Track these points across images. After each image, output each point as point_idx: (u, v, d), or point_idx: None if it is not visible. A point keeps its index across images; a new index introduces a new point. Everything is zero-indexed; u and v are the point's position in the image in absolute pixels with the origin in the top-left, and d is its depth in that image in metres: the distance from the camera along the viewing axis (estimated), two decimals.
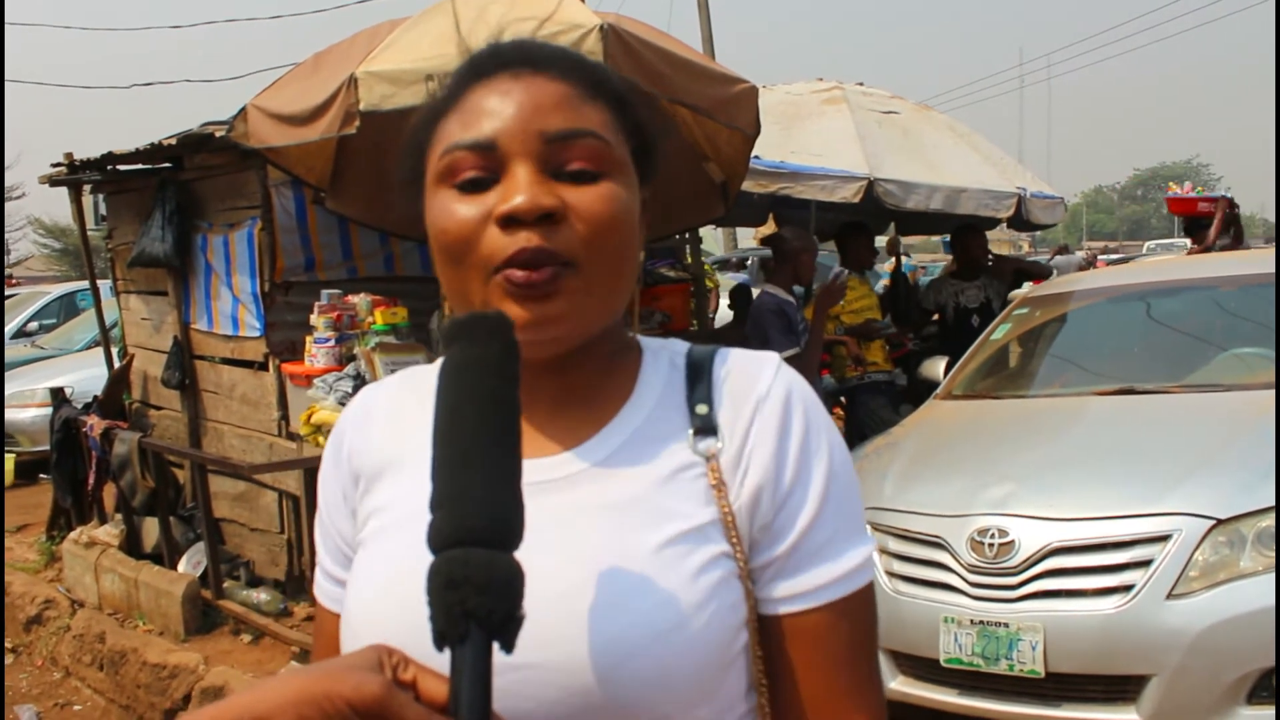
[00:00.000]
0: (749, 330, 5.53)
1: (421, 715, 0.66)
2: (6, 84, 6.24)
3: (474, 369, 0.75)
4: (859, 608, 0.93)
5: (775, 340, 5.18)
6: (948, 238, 8.16)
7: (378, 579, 0.91)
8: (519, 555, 0.77)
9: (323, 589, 1.04)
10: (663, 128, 1.01)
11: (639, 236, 0.94)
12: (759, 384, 0.95)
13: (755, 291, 5.65)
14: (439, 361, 0.83)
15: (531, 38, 0.97)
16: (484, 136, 0.87)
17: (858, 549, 0.93)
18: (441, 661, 0.69)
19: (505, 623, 0.68)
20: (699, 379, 0.96)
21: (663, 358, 1.00)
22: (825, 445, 0.94)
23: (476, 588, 0.67)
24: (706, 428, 0.93)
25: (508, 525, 0.71)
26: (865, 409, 6.14)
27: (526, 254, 0.85)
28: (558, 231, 0.86)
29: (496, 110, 0.88)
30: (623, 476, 0.91)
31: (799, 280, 5.74)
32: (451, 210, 0.88)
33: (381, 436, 1.00)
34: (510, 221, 0.85)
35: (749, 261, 16.75)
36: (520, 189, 0.85)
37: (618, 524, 0.88)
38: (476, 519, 0.70)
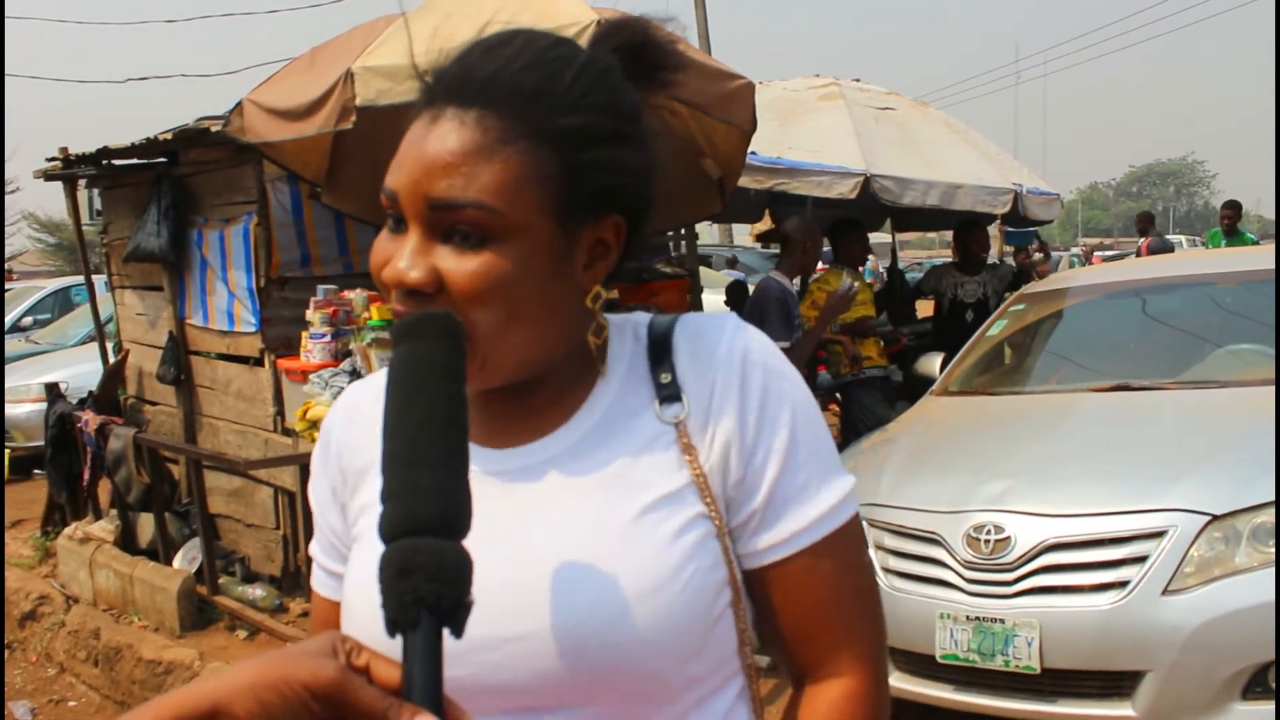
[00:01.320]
0: (748, 311, 5.55)
1: (375, 697, 0.68)
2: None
3: (422, 367, 0.78)
4: (840, 545, 0.95)
5: (772, 326, 5.21)
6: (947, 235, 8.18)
7: (369, 574, 0.91)
8: (502, 536, 0.87)
9: (318, 579, 1.09)
10: (640, 149, 0.95)
11: (561, 283, 0.91)
12: (719, 346, 0.96)
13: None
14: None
15: (505, 37, 0.93)
16: (390, 188, 0.89)
17: (831, 488, 0.95)
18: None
19: (455, 608, 0.70)
20: (661, 348, 0.97)
21: (627, 332, 1.00)
22: (788, 395, 0.96)
23: (427, 575, 0.69)
24: (672, 395, 0.95)
25: (455, 515, 0.74)
26: (861, 405, 6.14)
27: (405, 316, 0.85)
28: (434, 300, 0.86)
29: (404, 161, 0.89)
30: (596, 456, 0.93)
31: (805, 270, 5.79)
32: (376, 244, 0.91)
33: (368, 434, 0.99)
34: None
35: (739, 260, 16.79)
36: (400, 257, 0.87)
37: (595, 500, 0.91)
38: (425, 509, 0.72)
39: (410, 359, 0.78)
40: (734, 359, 0.95)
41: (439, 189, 0.85)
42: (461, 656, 0.85)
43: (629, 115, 0.94)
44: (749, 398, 0.94)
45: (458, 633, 0.70)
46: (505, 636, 0.87)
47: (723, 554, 0.93)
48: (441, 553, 0.71)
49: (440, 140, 0.87)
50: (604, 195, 0.91)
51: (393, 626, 0.70)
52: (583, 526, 0.90)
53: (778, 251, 6.28)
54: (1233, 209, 9.98)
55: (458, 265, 0.86)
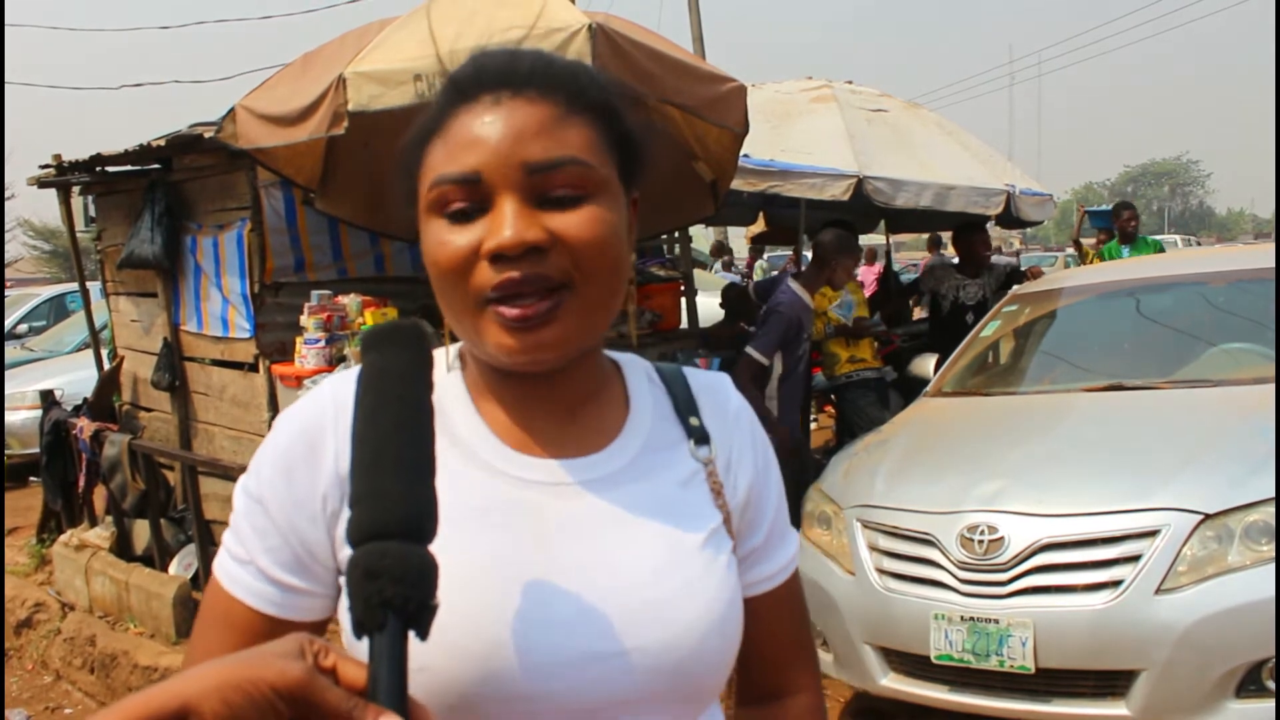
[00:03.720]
0: (760, 319, 5.52)
1: (341, 698, 0.69)
2: None
3: (390, 376, 0.79)
4: (798, 580, 1.13)
5: (764, 339, 5.22)
6: (942, 235, 8.18)
7: (447, 576, 0.86)
8: (595, 548, 0.93)
9: (251, 589, 0.95)
10: (649, 129, 1.01)
11: (629, 245, 0.96)
12: (730, 401, 1.10)
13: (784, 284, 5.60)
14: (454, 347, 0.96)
15: (513, 48, 0.96)
16: (468, 169, 0.89)
17: (793, 534, 1.13)
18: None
19: (420, 611, 0.72)
20: (680, 393, 1.07)
21: (639, 371, 1.08)
22: (772, 453, 1.11)
23: (393, 579, 0.71)
24: (703, 438, 1.04)
25: (421, 520, 0.75)
26: (855, 407, 6.16)
27: (514, 283, 0.88)
28: (547, 259, 0.88)
29: (479, 141, 0.89)
30: (651, 481, 1.00)
31: (832, 285, 5.74)
32: (443, 241, 0.90)
33: None
34: (499, 257, 0.87)
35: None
36: (506, 224, 0.87)
37: (665, 521, 0.98)
38: (392, 514, 0.74)
39: (380, 367, 0.79)
40: (743, 417, 1.09)
41: (534, 152, 0.88)
42: (557, 671, 0.89)
43: (633, 102, 1.00)
44: (757, 451, 1.08)
45: (422, 635, 0.72)
46: (608, 652, 0.91)
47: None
48: (407, 557, 0.72)
49: (519, 113, 0.90)
50: (638, 165, 0.98)
51: (359, 629, 0.71)
52: (662, 547, 0.96)
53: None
54: (1130, 209, 8.99)
55: (568, 220, 0.89)
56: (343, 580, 0.78)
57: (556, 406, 0.99)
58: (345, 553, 0.94)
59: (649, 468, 1.00)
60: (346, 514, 0.95)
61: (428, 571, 0.73)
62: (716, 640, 0.95)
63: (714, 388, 1.10)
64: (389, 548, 0.72)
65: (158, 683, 0.68)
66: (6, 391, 9.07)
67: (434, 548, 0.77)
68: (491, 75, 0.92)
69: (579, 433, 1.00)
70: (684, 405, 1.05)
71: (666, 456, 1.02)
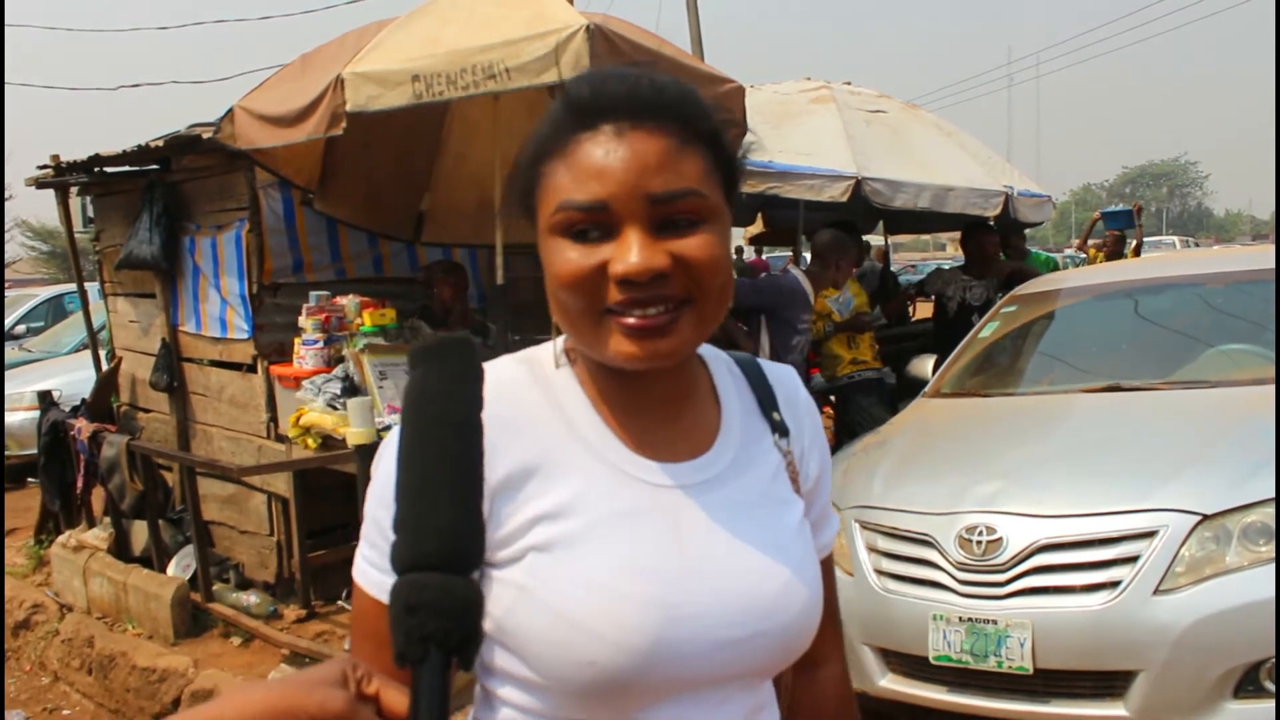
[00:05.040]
0: (763, 288, 5.56)
1: None
2: None
3: (435, 397, 0.81)
4: (832, 561, 1.24)
5: (748, 288, 5.24)
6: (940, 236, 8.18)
7: (601, 581, 0.95)
8: (718, 540, 1.01)
9: (383, 585, 0.95)
10: (739, 150, 1.09)
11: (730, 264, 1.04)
12: (799, 393, 1.19)
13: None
14: (546, 347, 1.02)
15: (627, 71, 1.02)
16: (596, 199, 0.95)
17: (835, 517, 1.23)
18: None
19: (463, 643, 0.73)
20: (759, 386, 1.16)
21: (721, 365, 1.16)
22: (825, 439, 1.21)
23: (434, 612, 0.73)
24: (784, 430, 1.14)
25: (463, 550, 0.77)
26: (858, 407, 6.17)
27: (637, 299, 0.95)
28: (669, 281, 0.96)
29: (604, 170, 0.96)
30: (751, 475, 1.09)
31: (832, 285, 5.80)
32: (569, 259, 0.97)
33: (541, 431, 1.01)
34: (627, 282, 0.95)
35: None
36: (633, 252, 0.94)
37: (767, 512, 1.07)
38: (432, 545, 0.76)
39: (423, 386, 0.81)
40: (811, 407, 1.19)
41: (657, 185, 0.95)
42: (703, 656, 0.97)
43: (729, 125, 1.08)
44: (820, 439, 1.19)
45: (466, 665, 0.73)
46: (743, 636, 1.00)
47: None
48: (449, 590, 0.74)
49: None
50: (736, 186, 1.07)
51: (401, 659, 0.73)
52: (770, 535, 1.05)
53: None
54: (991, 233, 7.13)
55: (687, 244, 0.96)
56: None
57: (663, 406, 1.07)
58: (523, 545, 0.96)
59: (747, 463, 1.09)
60: (497, 510, 0.95)
61: (471, 604, 0.74)
62: (816, 617, 1.07)
63: (785, 381, 1.19)
64: (429, 580, 0.73)
65: (197, 707, 0.68)
66: (6, 392, 9.08)
67: (584, 547, 0.82)
68: (612, 102, 0.98)
69: (685, 432, 1.08)
70: (765, 398, 1.15)
71: (757, 451, 1.11)
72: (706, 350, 1.16)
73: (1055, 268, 8.37)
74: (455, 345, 0.82)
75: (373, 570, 0.97)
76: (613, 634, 0.93)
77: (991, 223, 7.52)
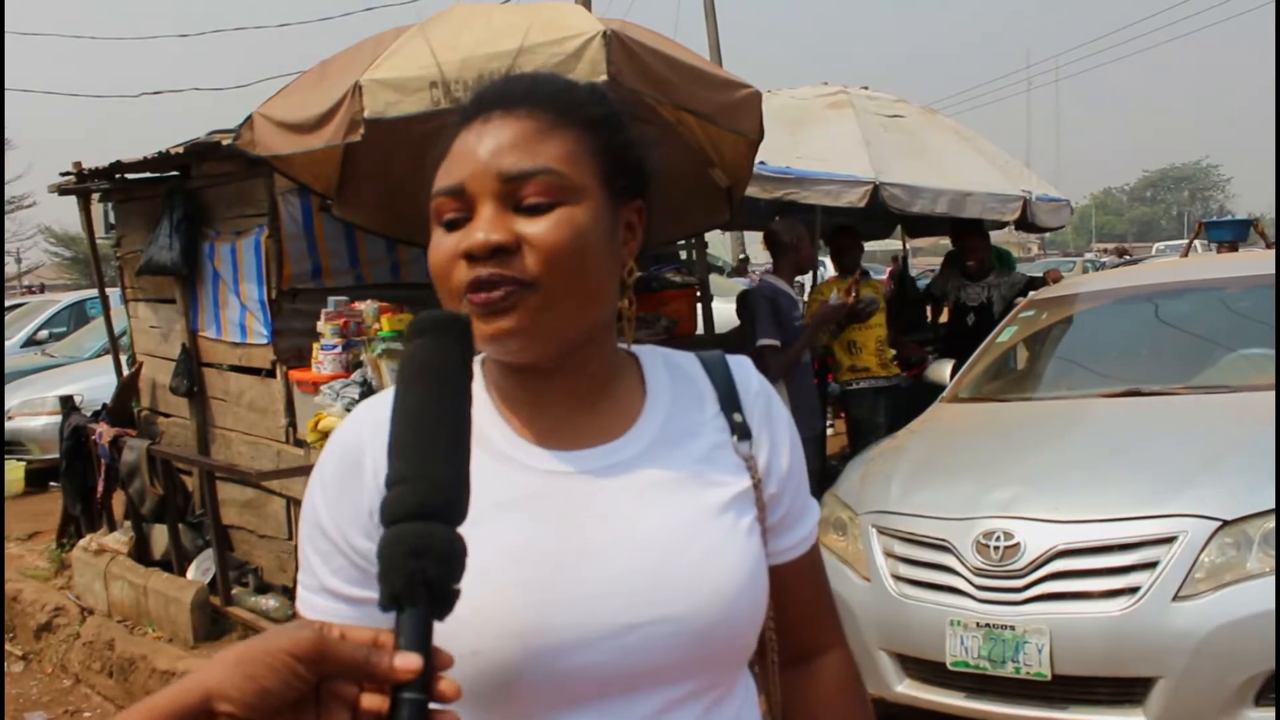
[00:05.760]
0: (739, 311, 5.63)
1: (355, 647, 0.70)
2: (18, 93, 6.27)
3: (436, 362, 0.81)
4: (819, 550, 1.21)
5: (760, 324, 5.27)
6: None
7: (483, 568, 0.90)
8: (621, 527, 1.00)
9: (329, 610, 1.02)
10: (654, 142, 1.10)
11: (613, 251, 1.03)
12: (752, 382, 1.17)
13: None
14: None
15: (519, 73, 1.06)
16: (455, 182, 0.99)
17: (814, 504, 1.20)
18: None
19: (449, 595, 0.74)
20: (724, 384, 1.14)
21: (656, 360, 1.15)
22: (795, 429, 1.19)
23: (437, 558, 0.73)
24: (733, 411, 1.12)
25: (461, 506, 0.77)
26: (851, 419, 6.13)
27: (481, 280, 0.96)
28: (512, 260, 0.96)
29: (466, 156, 1.00)
30: (670, 459, 1.06)
31: (800, 268, 5.79)
32: (436, 245, 1.01)
33: None
34: (471, 256, 0.97)
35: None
36: (478, 227, 0.97)
37: (683, 492, 1.04)
38: (440, 497, 0.76)
39: (428, 352, 0.81)
40: (766, 395, 1.16)
41: (508, 164, 0.97)
42: (596, 643, 0.96)
43: (632, 116, 1.09)
44: (779, 426, 1.15)
45: (441, 617, 0.73)
46: (641, 621, 0.97)
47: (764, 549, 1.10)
48: (451, 541, 0.74)
49: (500, 131, 0.99)
50: (635, 175, 1.06)
51: (393, 601, 0.72)
52: (682, 520, 1.02)
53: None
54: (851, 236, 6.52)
55: (534, 225, 0.97)
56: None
57: (573, 400, 1.06)
58: None
59: (667, 447, 1.06)
60: None
61: (464, 558, 0.75)
62: (743, 605, 1.02)
63: (739, 369, 1.17)
64: (435, 529, 0.74)
65: (178, 680, 0.69)
66: (27, 397, 9.18)
67: (468, 536, 0.79)
68: (488, 98, 1.02)
69: (598, 423, 1.06)
70: (727, 397, 1.13)
71: (685, 434, 1.08)
72: (642, 349, 1.15)
73: (1010, 264, 8.48)
74: (451, 318, 0.83)
75: (308, 593, 1.04)
76: (494, 621, 0.93)
77: (1010, 226, 7.51)
